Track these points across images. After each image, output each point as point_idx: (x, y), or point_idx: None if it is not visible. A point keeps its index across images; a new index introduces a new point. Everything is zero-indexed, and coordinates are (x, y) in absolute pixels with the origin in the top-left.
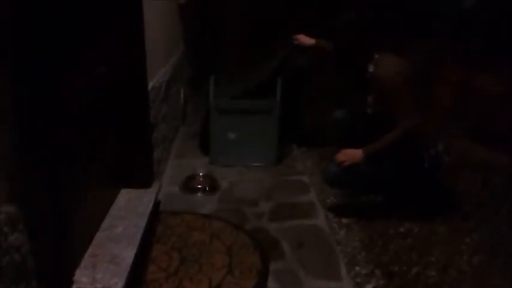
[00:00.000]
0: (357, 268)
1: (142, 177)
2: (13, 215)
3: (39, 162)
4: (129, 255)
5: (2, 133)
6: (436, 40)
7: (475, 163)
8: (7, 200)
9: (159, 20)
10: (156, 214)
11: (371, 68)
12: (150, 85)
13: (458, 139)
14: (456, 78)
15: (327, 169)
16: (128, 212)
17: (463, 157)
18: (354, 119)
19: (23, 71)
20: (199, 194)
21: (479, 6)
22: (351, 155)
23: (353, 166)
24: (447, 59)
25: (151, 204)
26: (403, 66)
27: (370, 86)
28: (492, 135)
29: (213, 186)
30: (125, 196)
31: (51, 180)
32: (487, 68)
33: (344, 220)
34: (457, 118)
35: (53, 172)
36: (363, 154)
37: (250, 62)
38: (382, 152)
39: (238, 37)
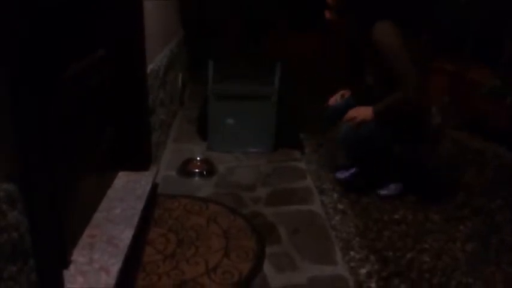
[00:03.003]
0: (352, 253)
1: (140, 161)
2: (12, 193)
3: (37, 142)
4: (126, 236)
5: (1, 114)
6: (431, 33)
7: (470, 153)
8: (6, 179)
9: (158, 4)
10: (153, 197)
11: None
12: (149, 69)
13: (455, 130)
14: (452, 70)
15: (340, 128)
16: (126, 194)
17: (458, 147)
18: (355, 98)
19: (21, 53)
20: (196, 178)
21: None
22: (362, 111)
23: (363, 125)
24: (443, 52)
25: (148, 187)
26: (400, 31)
27: (370, 54)
28: (488, 127)
29: (210, 170)
30: (123, 179)
31: (49, 160)
32: (482, 61)
33: (339, 206)
34: (454, 110)
35: (52, 152)
36: (372, 112)
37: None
38: (390, 113)
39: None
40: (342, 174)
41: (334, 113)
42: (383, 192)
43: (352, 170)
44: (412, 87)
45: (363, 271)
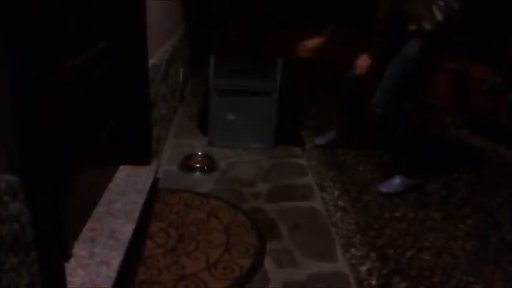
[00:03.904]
0: (352, 250)
1: (142, 155)
2: (14, 184)
3: (39, 133)
4: (127, 230)
5: (2, 104)
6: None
7: (470, 151)
8: (8, 170)
9: None
10: (154, 191)
11: None
12: (150, 63)
13: (455, 128)
14: (453, 68)
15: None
16: (127, 188)
17: (459, 145)
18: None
19: (22, 45)
20: (197, 173)
21: None
22: (360, 60)
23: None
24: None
25: (149, 181)
26: None
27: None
28: (488, 126)
29: (211, 166)
30: (124, 173)
31: (51, 152)
32: (483, 60)
33: (340, 203)
34: (455, 108)
35: (53, 144)
36: (367, 56)
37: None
38: (383, 52)
39: (235, 25)
40: (320, 140)
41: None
42: (383, 189)
43: (328, 137)
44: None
45: (364, 268)
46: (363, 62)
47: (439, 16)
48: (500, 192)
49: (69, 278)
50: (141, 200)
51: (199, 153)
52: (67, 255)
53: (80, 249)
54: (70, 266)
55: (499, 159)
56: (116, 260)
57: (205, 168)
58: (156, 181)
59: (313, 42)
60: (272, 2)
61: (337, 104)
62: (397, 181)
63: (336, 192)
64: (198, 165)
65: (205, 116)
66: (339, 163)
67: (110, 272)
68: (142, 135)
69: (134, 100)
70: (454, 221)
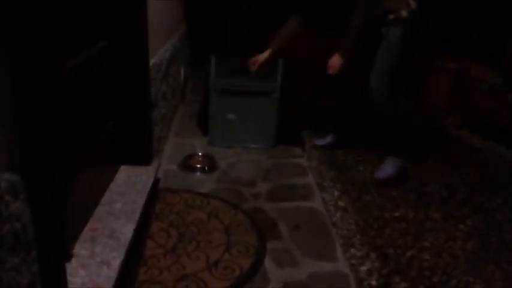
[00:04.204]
0: (352, 250)
1: (142, 155)
2: (15, 183)
3: (40, 132)
4: (128, 230)
5: (3, 103)
6: (434, 30)
7: (470, 152)
8: (9, 168)
9: None
10: (155, 191)
11: None
12: (151, 62)
13: (455, 128)
14: (454, 68)
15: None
16: (128, 188)
17: (459, 145)
18: None
19: (22, 45)
20: (198, 173)
21: None
22: (332, 60)
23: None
24: (445, 50)
25: (150, 181)
26: None
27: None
28: (488, 126)
29: (211, 165)
30: (125, 173)
31: (52, 151)
32: (483, 60)
33: (340, 203)
34: (455, 108)
35: (54, 143)
36: (339, 55)
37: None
38: (354, 48)
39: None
40: (320, 141)
41: None
42: (380, 175)
43: (328, 138)
44: (361, 18)
45: (364, 268)
46: (335, 61)
47: (413, 5)
48: (500, 192)
49: (69, 278)
50: (141, 200)
51: (200, 154)
52: (68, 255)
53: (80, 249)
54: (71, 266)
55: (499, 159)
56: (116, 260)
57: (206, 168)
58: (156, 181)
59: (265, 55)
60: (272, 2)
61: (336, 103)
62: (388, 163)
63: (336, 192)
64: (198, 166)
65: (206, 116)
66: (339, 163)
67: (111, 272)
68: (142, 135)
69: (135, 100)
70: (454, 221)
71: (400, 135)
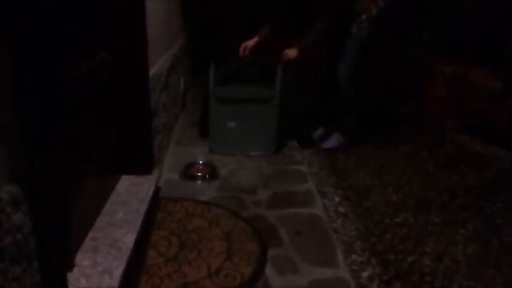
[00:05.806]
0: (353, 256)
1: (143, 164)
2: (16, 194)
3: (41, 143)
4: (129, 239)
5: (5, 116)
6: (432, 34)
7: (470, 155)
8: (10, 180)
9: (160, 8)
10: (156, 200)
11: None
12: (151, 72)
13: (455, 132)
14: (453, 72)
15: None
16: (129, 197)
17: (459, 149)
18: None
19: (23, 55)
20: (198, 182)
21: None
22: (288, 51)
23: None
24: (443, 54)
25: (151, 191)
26: None
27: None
28: (488, 130)
29: (212, 174)
30: (126, 182)
31: (53, 162)
32: (482, 63)
33: (341, 209)
34: (454, 112)
35: (56, 154)
36: (295, 49)
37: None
38: (313, 46)
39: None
40: (326, 144)
41: None
42: (325, 145)
43: (319, 131)
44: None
45: (365, 274)
46: (291, 53)
47: (380, 3)
48: (500, 196)
49: None
50: (143, 209)
51: (201, 162)
52: (70, 265)
53: (82, 258)
54: (73, 276)
55: (500, 163)
56: (118, 269)
57: (207, 176)
58: (157, 190)
59: (253, 41)
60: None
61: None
62: (334, 137)
63: (337, 198)
64: (199, 174)
65: (206, 124)
66: (339, 169)
67: (113, 281)
68: (143, 145)
69: (135, 110)
70: (454, 226)
71: (352, 116)
